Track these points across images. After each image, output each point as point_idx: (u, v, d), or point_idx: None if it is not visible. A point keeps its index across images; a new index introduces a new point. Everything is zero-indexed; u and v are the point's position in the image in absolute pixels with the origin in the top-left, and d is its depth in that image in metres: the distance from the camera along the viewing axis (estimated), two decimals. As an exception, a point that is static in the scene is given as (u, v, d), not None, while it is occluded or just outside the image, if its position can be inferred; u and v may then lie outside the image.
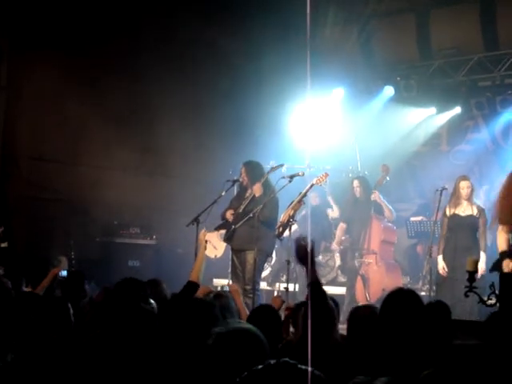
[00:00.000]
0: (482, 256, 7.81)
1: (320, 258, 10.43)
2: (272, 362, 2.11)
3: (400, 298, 3.52)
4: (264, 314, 4.34)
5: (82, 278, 5.66)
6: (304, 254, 3.65)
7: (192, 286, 5.17)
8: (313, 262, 3.62)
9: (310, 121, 12.18)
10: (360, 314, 4.17)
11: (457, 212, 8.19)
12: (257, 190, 8.11)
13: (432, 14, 11.38)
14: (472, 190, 8.16)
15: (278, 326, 4.30)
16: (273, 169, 8.41)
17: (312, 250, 3.64)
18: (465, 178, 8.28)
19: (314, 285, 3.59)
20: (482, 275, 7.17)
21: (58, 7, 10.22)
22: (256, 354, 2.47)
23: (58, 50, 10.25)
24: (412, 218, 10.38)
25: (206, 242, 6.06)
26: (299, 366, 2.08)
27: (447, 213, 8.24)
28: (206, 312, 3.74)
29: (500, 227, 6.45)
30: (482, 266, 7.38)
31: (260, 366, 2.10)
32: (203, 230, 6.44)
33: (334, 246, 9.90)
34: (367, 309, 4.32)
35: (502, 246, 6.41)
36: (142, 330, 3.43)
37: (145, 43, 11.16)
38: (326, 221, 10.90)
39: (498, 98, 10.75)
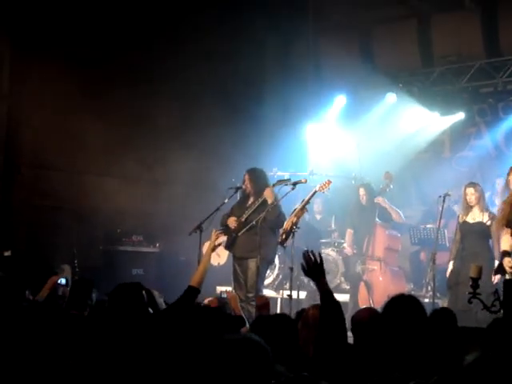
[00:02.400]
0: (496, 263, 7.59)
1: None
2: (292, 375, 2.10)
3: (401, 304, 3.51)
4: (279, 322, 4.20)
5: (90, 286, 5.62)
6: (312, 268, 3.62)
7: (192, 292, 4.85)
8: (323, 273, 3.60)
9: (312, 128, 12.20)
10: (360, 318, 4.15)
11: (467, 219, 8.15)
12: (269, 195, 8.08)
13: (433, 21, 11.39)
14: (479, 197, 8.09)
15: (294, 335, 4.16)
16: (279, 182, 8.41)
17: (321, 261, 3.62)
18: (470, 184, 8.23)
19: (327, 295, 3.55)
20: (497, 283, 7.11)
21: (60, 15, 10.24)
22: (258, 363, 2.43)
23: (59, 58, 10.25)
24: (421, 226, 10.35)
25: (219, 245, 5.76)
26: (320, 381, 2.07)
27: (460, 220, 8.25)
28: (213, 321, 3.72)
29: (505, 230, 6.48)
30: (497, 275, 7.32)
31: (281, 380, 2.08)
32: (216, 231, 6.07)
33: (348, 249, 9.85)
34: (366, 312, 4.30)
35: (504, 246, 6.45)
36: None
37: (149, 54, 11.18)
38: (316, 225, 10.90)
39: (500, 104, 10.76)
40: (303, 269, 3.68)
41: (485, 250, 7.94)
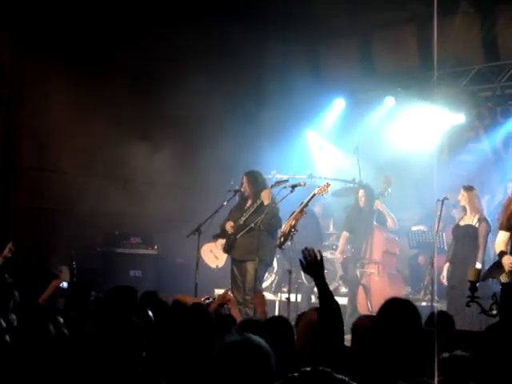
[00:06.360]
0: (478, 266, 7.73)
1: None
2: (308, 369, 2.14)
3: (395, 307, 3.51)
4: (277, 325, 4.21)
5: (88, 289, 5.63)
6: (311, 265, 3.62)
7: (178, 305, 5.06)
8: (322, 270, 3.59)
9: (311, 131, 12.23)
10: (363, 325, 4.14)
11: (459, 222, 8.31)
12: (265, 196, 8.11)
13: (432, 25, 11.39)
14: (469, 199, 8.15)
15: (291, 337, 4.18)
16: (277, 183, 8.43)
17: (321, 259, 3.62)
18: (464, 186, 8.34)
19: (325, 291, 3.55)
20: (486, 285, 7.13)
21: (60, 17, 10.27)
22: (260, 366, 2.43)
23: (59, 60, 10.28)
24: (413, 228, 10.38)
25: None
26: (334, 374, 2.11)
27: (455, 223, 8.40)
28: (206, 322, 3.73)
29: (500, 233, 6.53)
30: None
31: (296, 374, 2.13)
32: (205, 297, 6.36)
33: (338, 255, 9.82)
34: (369, 319, 4.29)
35: (500, 247, 6.50)
36: (131, 341, 3.39)
37: (149, 57, 11.20)
38: (317, 226, 10.84)
39: (499, 108, 10.77)
40: (302, 264, 3.67)
41: (474, 253, 7.98)
